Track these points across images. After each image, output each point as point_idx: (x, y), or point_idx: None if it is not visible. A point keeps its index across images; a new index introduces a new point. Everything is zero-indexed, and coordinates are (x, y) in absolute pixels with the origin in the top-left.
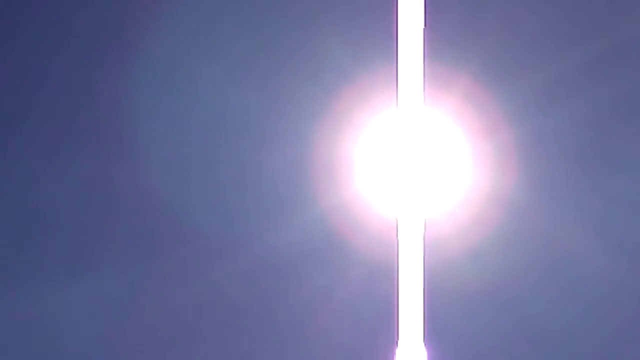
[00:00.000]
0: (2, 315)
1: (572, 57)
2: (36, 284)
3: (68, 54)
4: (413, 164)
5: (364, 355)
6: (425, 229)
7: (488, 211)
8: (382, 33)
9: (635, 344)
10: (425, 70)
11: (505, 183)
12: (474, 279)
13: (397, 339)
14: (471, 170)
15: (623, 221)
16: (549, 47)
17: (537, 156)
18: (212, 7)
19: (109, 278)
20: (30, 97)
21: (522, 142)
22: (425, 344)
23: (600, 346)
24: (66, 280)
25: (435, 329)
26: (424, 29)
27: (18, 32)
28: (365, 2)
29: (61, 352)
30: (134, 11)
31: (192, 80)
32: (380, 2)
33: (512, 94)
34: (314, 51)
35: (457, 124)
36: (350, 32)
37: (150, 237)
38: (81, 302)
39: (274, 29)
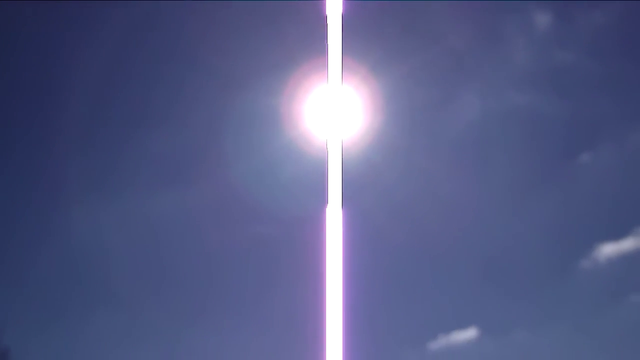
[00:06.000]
0: None
1: None
2: None
3: None
4: (336, 109)
5: (309, 211)
6: (342, 143)
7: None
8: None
9: None
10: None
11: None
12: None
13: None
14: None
15: None
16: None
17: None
18: None
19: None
20: None
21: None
22: (342, 207)
23: None
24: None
25: (348, 200)
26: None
27: None
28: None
29: None
30: None
31: None
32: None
33: None
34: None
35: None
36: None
37: None
38: None
39: None
